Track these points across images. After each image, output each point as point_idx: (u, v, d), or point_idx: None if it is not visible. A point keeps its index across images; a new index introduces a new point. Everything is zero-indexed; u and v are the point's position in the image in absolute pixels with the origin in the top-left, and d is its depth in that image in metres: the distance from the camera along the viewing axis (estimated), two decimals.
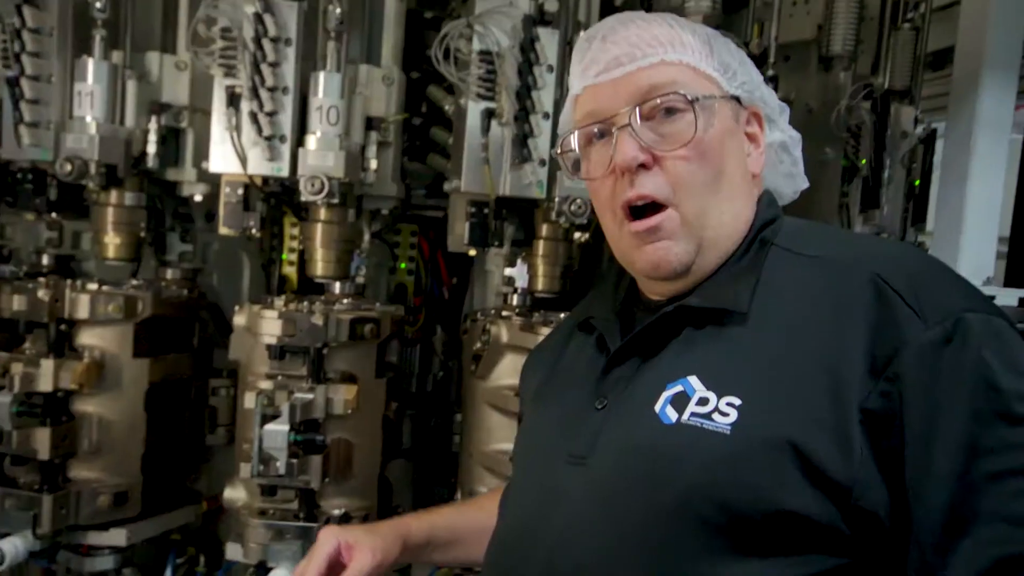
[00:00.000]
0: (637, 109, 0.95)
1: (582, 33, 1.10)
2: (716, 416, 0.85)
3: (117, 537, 1.64)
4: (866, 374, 0.82)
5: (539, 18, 1.55)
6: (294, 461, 1.45)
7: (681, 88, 0.94)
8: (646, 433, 0.89)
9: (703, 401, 0.87)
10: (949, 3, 2.41)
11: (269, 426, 1.43)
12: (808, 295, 0.89)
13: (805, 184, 1.14)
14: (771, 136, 1.06)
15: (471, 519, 1.27)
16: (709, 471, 0.84)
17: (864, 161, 1.97)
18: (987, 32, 1.63)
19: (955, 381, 0.80)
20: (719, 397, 0.86)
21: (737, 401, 0.85)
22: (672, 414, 0.88)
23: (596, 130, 0.99)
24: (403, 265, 2.19)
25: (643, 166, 0.94)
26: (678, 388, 0.89)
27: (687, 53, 0.96)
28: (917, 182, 2.36)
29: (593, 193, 1.05)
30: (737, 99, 1.00)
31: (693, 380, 0.89)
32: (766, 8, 1.88)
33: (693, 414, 0.86)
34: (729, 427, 0.84)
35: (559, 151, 1.07)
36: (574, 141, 1.02)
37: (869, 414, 0.81)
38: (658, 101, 0.94)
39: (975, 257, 1.70)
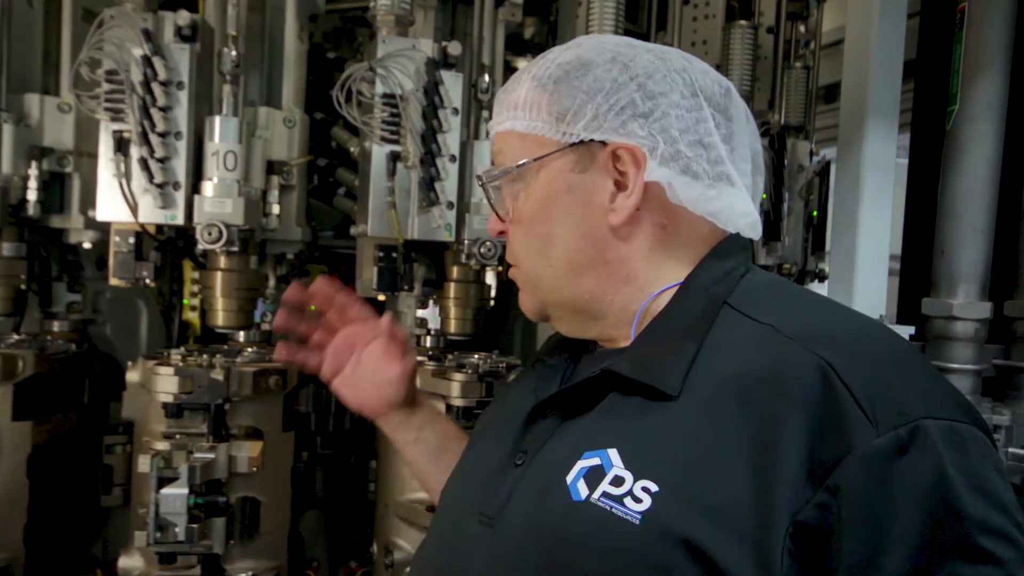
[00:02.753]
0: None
1: None
2: (628, 501, 0.75)
3: None
4: (803, 480, 0.70)
5: (442, 61, 1.53)
6: (195, 526, 1.37)
7: (503, 159, 0.93)
8: (554, 506, 0.80)
9: (618, 481, 0.77)
10: (837, 40, 2.54)
11: (166, 490, 1.35)
12: (751, 375, 0.77)
13: (759, 178, 0.96)
14: (656, 173, 0.86)
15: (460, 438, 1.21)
16: (612, 564, 0.75)
17: (764, 196, 2.04)
18: (869, 77, 1.72)
19: (906, 501, 0.69)
20: (636, 479, 0.76)
21: (654, 487, 0.75)
22: (583, 490, 0.78)
23: None
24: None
25: (503, 233, 0.96)
26: (595, 460, 0.80)
27: (516, 116, 0.90)
28: (815, 212, 2.48)
29: None
30: (592, 141, 0.86)
31: (612, 453, 0.79)
32: None
33: (604, 494, 0.77)
34: (639, 516, 0.74)
35: None
36: None
37: (801, 528, 0.70)
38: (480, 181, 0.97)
39: (868, 295, 1.78)
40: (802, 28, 2.51)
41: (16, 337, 1.63)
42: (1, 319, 1.66)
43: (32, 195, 1.56)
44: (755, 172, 0.97)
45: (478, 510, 0.88)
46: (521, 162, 0.90)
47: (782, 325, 0.79)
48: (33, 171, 1.56)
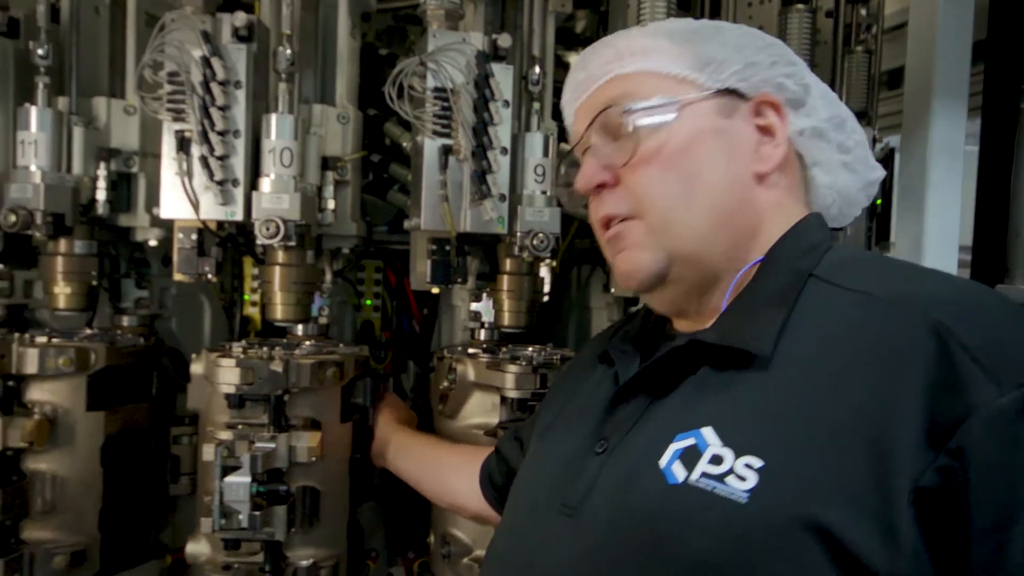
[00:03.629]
0: (590, 129, 0.94)
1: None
2: (731, 480, 0.71)
3: None
4: (921, 445, 0.68)
5: (493, 54, 1.54)
6: (257, 513, 1.41)
7: (631, 100, 0.89)
8: (647, 491, 0.77)
9: (717, 459, 0.74)
10: (901, 24, 2.45)
11: (230, 478, 1.39)
12: (850, 340, 0.75)
13: (879, 172, 0.98)
14: (801, 123, 0.92)
15: (434, 457, 1.52)
16: (719, 547, 0.70)
17: None
18: (935, 57, 1.65)
19: None
20: (736, 456, 0.73)
21: (757, 463, 0.71)
22: (679, 472, 0.75)
23: (580, 154, 0.99)
24: (368, 302, 2.15)
25: (603, 185, 0.90)
26: (689, 440, 0.77)
27: (648, 60, 0.91)
28: (879, 201, 2.39)
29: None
30: (735, 91, 0.90)
31: (707, 432, 0.76)
32: None
33: (704, 474, 0.73)
34: (746, 495, 0.70)
35: (563, 171, 1.08)
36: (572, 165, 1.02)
37: (923, 494, 0.67)
38: (602, 120, 0.92)
39: None
40: (863, 11, 2.43)
41: (88, 331, 1.71)
42: (75, 314, 1.73)
43: (101, 195, 1.62)
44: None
45: (559, 501, 0.86)
46: (677, 97, 0.89)
47: (881, 291, 0.77)
48: (102, 172, 1.62)
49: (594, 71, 0.95)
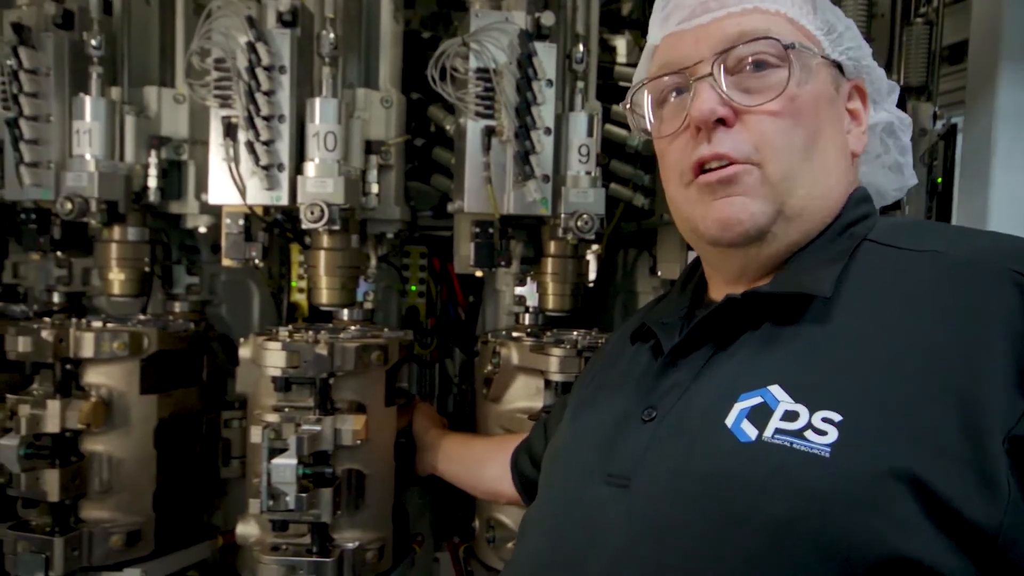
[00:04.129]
0: (723, 57, 0.82)
1: None
2: (810, 435, 0.67)
3: None
4: (1013, 393, 0.66)
5: (536, 33, 1.51)
6: (304, 495, 1.42)
7: (776, 36, 0.82)
8: (714, 453, 0.72)
9: (791, 415, 0.69)
10: None
11: (277, 460, 1.40)
12: (921, 292, 0.72)
13: (913, 180, 0.99)
14: (876, 117, 0.93)
15: (468, 452, 1.56)
16: (804, 504, 0.66)
17: None
18: (1003, 22, 1.56)
19: None
20: (811, 412, 0.69)
21: (836, 417, 0.68)
22: (751, 430, 0.71)
23: (673, 83, 0.87)
24: (413, 287, 2.16)
25: (723, 122, 0.81)
26: (756, 399, 0.72)
27: (786, 3, 0.84)
28: (940, 179, 2.29)
29: (660, 155, 0.91)
30: (839, 67, 0.88)
31: (775, 390, 0.72)
32: None
33: (779, 431, 0.69)
34: (828, 449, 0.66)
35: (627, 106, 0.94)
36: (645, 97, 0.90)
37: (1018, 442, 0.65)
38: (747, 49, 0.81)
39: None
40: None
41: (142, 317, 1.75)
42: (129, 300, 1.78)
43: (152, 182, 1.65)
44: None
45: (605, 471, 0.82)
46: (832, 57, 0.86)
47: (948, 249, 0.75)
48: (152, 159, 1.65)
49: None
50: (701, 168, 0.84)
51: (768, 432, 0.70)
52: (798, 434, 0.68)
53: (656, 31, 0.91)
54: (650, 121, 0.91)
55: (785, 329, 0.77)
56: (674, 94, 0.88)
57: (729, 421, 0.73)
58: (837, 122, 0.87)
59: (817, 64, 0.85)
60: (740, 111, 0.82)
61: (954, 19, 2.48)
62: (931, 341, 0.70)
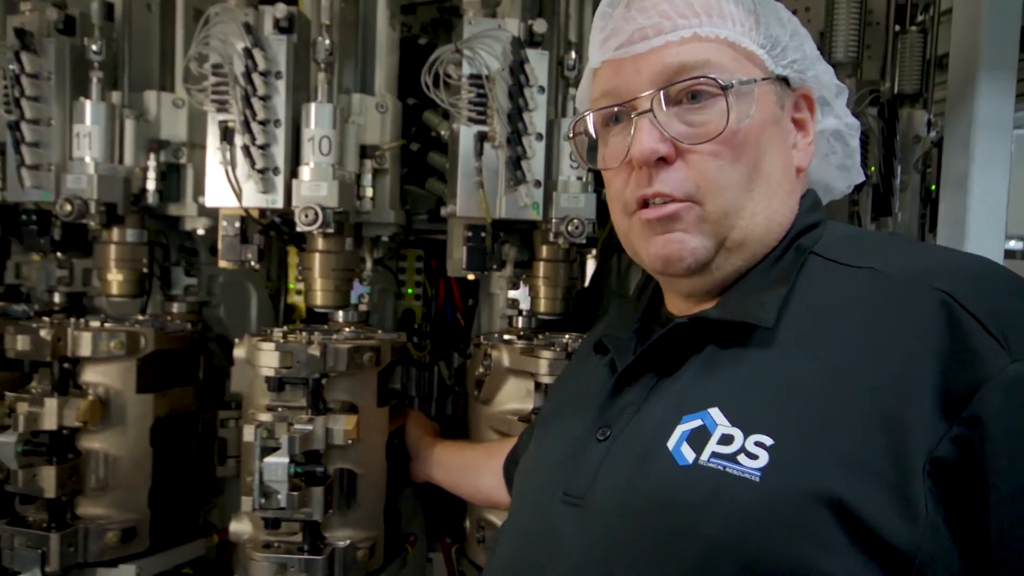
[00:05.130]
0: (662, 93, 0.81)
1: None
2: (742, 459, 0.70)
3: (127, 573, 1.64)
4: (935, 416, 0.67)
5: (528, 40, 1.53)
6: (295, 493, 1.44)
7: (715, 70, 0.81)
8: (656, 474, 0.75)
9: (726, 439, 0.72)
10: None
11: (269, 459, 1.42)
12: (856, 314, 0.74)
13: (860, 178, 0.99)
14: (824, 123, 0.93)
15: (462, 462, 1.59)
16: (735, 526, 0.69)
17: (873, 168, 1.92)
18: (981, 33, 1.58)
19: None
20: (746, 435, 0.71)
21: (768, 441, 0.70)
22: (688, 453, 0.73)
23: (615, 112, 0.87)
24: (410, 291, 2.18)
25: (664, 160, 0.81)
26: (696, 422, 0.75)
27: (726, 26, 0.83)
28: (933, 187, 2.30)
29: (607, 182, 0.92)
30: (785, 80, 0.87)
31: (715, 413, 0.75)
32: None
33: (714, 455, 0.72)
34: (759, 473, 0.69)
35: (571, 134, 0.95)
36: (589, 123, 0.90)
37: (940, 464, 0.66)
38: (687, 84, 0.81)
39: None
40: None
41: (140, 317, 1.77)
42: (128, 301, 1.80)
43: (151, 185, 1.68)
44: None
45: (561, 490, 0.85)
46: (763, 77, 0.83)
47: (885, 267, 0.76)
48: (151, 162, 1.68)
49: (664, 22, 0.82)
50: (644, 202, 0.85)
51: (704, 456, 0.73)
52: (731, 458, 0.71)
53: (596, 54, 0.90)
54: (594, 137, 0.92)
55: (728, 352, 0.79)
56: (614, 121, 0.89)
57: (671, 443, 0.75)
58: (781, 142, 0.87)
59: (760, 90, 0.84)
60: (681, 149, 0.82)
61: (949, 27, 2.49)
62: (862, 363, 0.71)
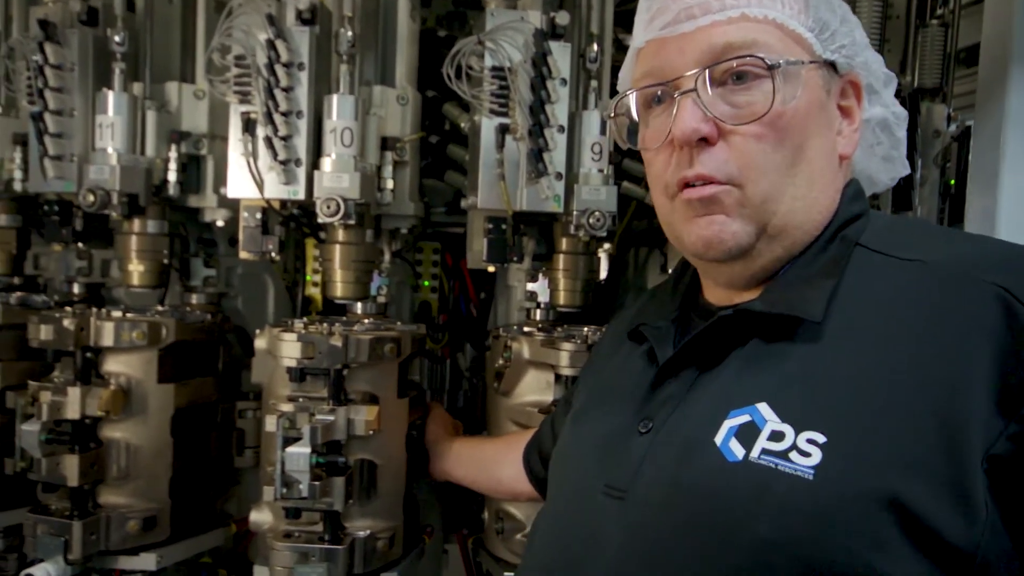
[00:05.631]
0: (707, 72, 0.80)
1: None
2: (795, 456, 0.69)
3: (147, 561, 1.65)
4: (992, 412, 0.66)
5: (551, 32, 1.53)
6: (317, 483, 1.45)
7: (762, 50, 0.79)
8: (704, 470, 0.74)
9: (777, 436, 0.70)
10: None
11: (291, 449, 1.43)
12: (907, 308, 0.72)
13: (905, 170, 0.98)
14: (870, 111, 0.91)
15: (480, 456, 1.59)
16: (788, 525, 0.67)
17: None
18: (1014, 25, 1.56)
19: None
20: (797, 432, 0.70)
21: (820, 438, 0.69)
22: (738, 450, 0.72)
23: (657, 93, 0.86)
24: (426, 283, 2.18)
25: (706, 140, 0.80)
26: (744, 417, 0.74)
27: (775, 7, 0.81)
28: (952, 181, 2.29)
29: (647, 164, 0.91)
30: (832, 65, 0.85)
31: (763, 408, 0.73)
32: None
33: (765, 451, 0.70)
34: (812, 471, 0.68)
35: (611, 114, 0.94)
36: (631, 103, 0.89)
37: (996, 462, 0.65)
38: (733, 64, 0.79)
39: None
40: None
41: (160, 308, 1.78)
42: (148, 291, 1.81)
43: (172, 176, 1.68)
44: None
45: (603, 482, 0.84)
46: (811, 59, 0.81)
47: (933, 258, 0.74)
48: (172, 154, 1.68)
49: (711, 1, 0.81)
50: (685, 184, 0.84)
51: (755, 453, 0.71)
52: (783, 455, 0.70)
53: (640, 34, 0.89)
54: (635, 119, 0.90)
55: (774, 346, 0.77)
56: (656, 102, 0.88)
57: (718, 439, 0.74)
58: (827, 127, 0.85)
59: (806, 73, 0.82)
60: (724, 129, 0.81)
61: (970, 21, 2.47)
62: (916, 359, 0.70)
